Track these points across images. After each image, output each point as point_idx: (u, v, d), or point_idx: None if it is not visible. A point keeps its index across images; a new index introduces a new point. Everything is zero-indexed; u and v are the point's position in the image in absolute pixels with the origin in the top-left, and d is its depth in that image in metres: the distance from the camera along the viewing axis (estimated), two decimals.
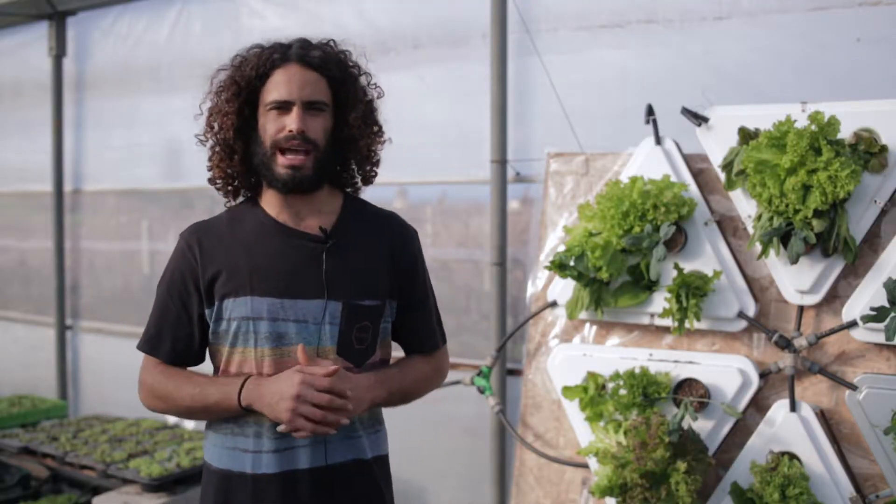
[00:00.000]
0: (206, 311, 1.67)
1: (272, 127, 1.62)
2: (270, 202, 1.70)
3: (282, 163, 1.61)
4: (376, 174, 1.79)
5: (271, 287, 1.63)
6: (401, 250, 1.74)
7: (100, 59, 4.56)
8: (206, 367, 1.77)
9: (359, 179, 1.79)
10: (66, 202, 4.76)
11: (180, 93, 4.14)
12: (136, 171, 4.42)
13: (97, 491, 3.35)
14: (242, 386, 1.60)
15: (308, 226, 1.68)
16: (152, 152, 4.34)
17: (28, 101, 4.91)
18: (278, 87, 1.62)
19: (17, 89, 5.02)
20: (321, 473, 1.64)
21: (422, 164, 3.38)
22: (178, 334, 1.69)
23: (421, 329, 1.82)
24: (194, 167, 4.18)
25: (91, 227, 4.76)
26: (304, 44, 1.66)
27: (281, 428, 1.57)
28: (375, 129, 1.75)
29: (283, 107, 1.62)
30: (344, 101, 1.68)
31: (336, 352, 1.64)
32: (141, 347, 1.72)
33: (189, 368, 1.74)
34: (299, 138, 1.60)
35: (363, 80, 1.72)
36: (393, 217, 1.80)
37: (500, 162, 3.12)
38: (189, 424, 3.81)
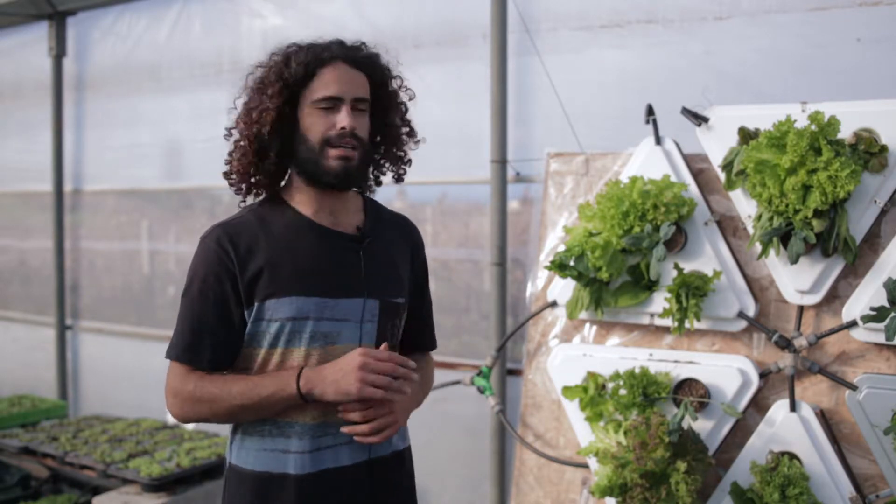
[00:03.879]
0: (245, 313, 1.62)
1: (321, 124, 1.60)
2: (304, 202, 1.68)
3: (333, 154, 1.60)
4: (406, 172, 1.84)
5: (315, 287, 1.62)
6: (418, 251, 1.83)
7: (100, 59, 4.56)
8: None
9: (373, 181, 1.82)
10: (66, 202, 4.76)
11: (180, 93, 4.15)
12: (136, 171, 4.42)
13: (97, 491, 3.35)
14: (300, 375, 1.58)
15: (342, 225, 1.69)
16: (152, 152, 4.33)
17: (28, 101, 4.91)
18: (328, 84, 1.60)
19: (17, 89, 5.01)
20: (365, 468, 1.67)
21: (422, 164, 3.36)
22: (218, 340, 1.61)
23: (428, 327, 1.92)
24: (194, 167, 4.23)
25: (91, 227, 4.76)
26: (345, 43, 1.67)
27: (345, 429, 1.60)
28: (410, 129, 1.80)
29: (333, 104, 1.61)
30: (383, 102, 1.70)
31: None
32: (177, 357, 1.62)
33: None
34: (350, 136, 1.60)
35: (396, 82, 1.75)
36: (407, 219, 1.87)
37: (500, 162, 3.11)
38: (189, 425, 3.81)
